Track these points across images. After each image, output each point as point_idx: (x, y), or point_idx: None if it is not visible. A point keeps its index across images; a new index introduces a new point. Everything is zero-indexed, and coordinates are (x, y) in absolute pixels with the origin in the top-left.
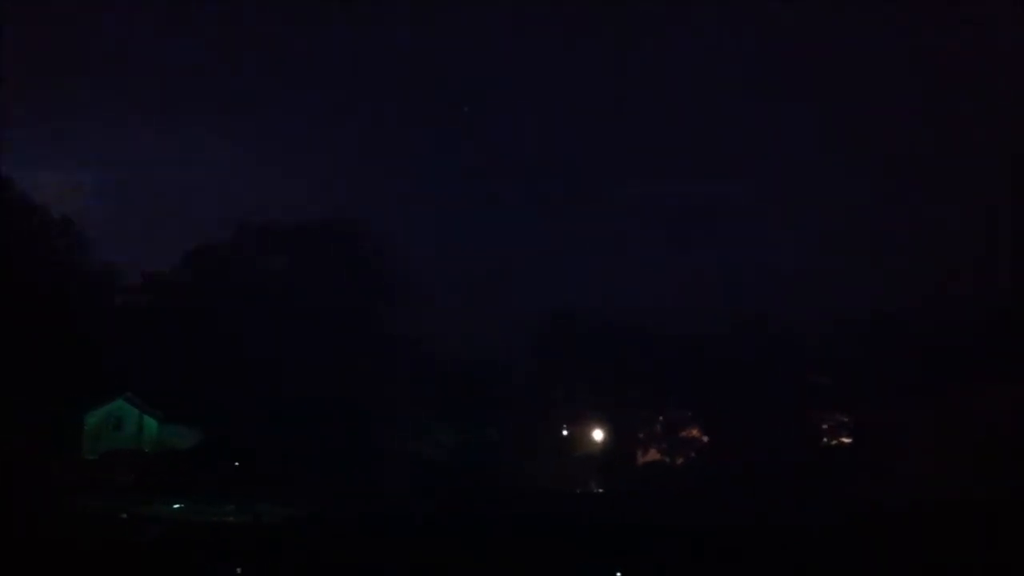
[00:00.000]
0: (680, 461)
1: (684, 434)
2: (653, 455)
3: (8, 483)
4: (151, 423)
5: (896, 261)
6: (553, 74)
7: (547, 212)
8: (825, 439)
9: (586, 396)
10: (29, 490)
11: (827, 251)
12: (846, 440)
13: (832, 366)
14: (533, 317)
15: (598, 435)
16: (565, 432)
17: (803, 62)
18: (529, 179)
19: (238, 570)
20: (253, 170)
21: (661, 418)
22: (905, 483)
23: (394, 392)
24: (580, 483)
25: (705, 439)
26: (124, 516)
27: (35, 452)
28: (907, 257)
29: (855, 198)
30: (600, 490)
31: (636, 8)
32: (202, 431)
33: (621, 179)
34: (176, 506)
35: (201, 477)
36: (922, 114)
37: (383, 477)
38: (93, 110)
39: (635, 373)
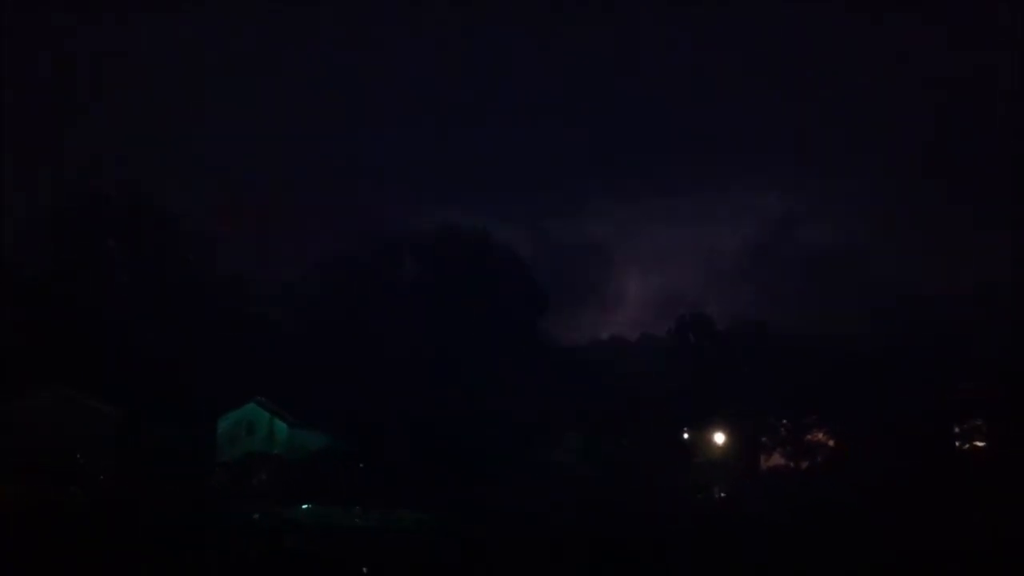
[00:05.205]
0: (805, 466)
1: (810, 438)
2: (776, 460)
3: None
4: (281, 427)
5: None
6: None
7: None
8: (958, 443)
9: (708, 400)
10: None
11: None
12: (979, 444)
13: (970, 368)
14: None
15: (719, 439)
16: (686, 436)
17: None
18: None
19: (364, 569)
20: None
21: (785, 421)
22: None
23: (527, 400)
24: (702, 488)
25: (831, 443)
26: (256, 516)
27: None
28: None
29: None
30: (723, 495)
31: None
32: (329, 436)
33: None
34: (304, 507)
35: (332, 481)
36: None
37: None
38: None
39: (757, 375)
